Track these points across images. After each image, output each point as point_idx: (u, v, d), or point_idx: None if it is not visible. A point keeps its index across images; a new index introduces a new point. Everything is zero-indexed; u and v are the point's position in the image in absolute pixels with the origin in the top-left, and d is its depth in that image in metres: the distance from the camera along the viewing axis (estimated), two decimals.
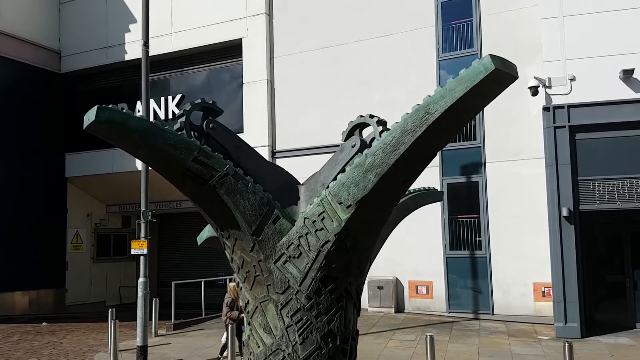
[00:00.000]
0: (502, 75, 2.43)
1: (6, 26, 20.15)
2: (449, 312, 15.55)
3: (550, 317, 13.76)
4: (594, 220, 14.08)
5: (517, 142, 15.07)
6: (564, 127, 13.70)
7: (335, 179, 2.97)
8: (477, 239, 15.62)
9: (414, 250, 15.65)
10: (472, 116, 2.68)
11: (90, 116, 2.68)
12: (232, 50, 19.07)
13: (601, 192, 13.59)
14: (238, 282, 9.71)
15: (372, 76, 16.86)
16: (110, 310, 11.54)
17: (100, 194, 22.96)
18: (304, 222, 2.98)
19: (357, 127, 3.44)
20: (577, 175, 13.60)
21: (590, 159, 13.61)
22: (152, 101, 19.94)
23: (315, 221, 2.94)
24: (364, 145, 3.26)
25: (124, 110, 2.74)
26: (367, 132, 3.44)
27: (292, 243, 2.98)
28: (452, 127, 2.69)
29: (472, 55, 15.84)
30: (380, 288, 15.88)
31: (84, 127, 2.71)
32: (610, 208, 13.37)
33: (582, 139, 13.82)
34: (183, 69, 20.39)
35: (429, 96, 2.60)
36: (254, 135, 18.01)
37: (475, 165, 15.67)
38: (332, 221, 2.89)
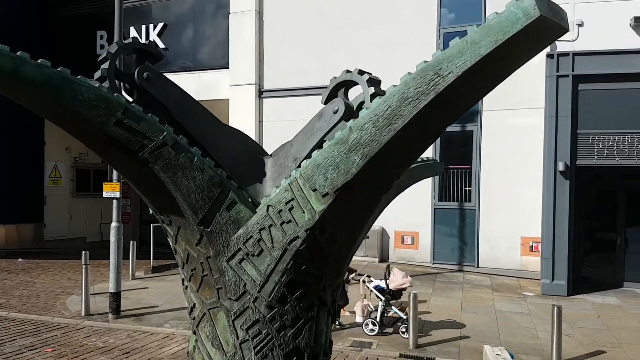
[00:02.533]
0: (548, 25, 1.69)
1: None
2: (434, 264, 15.23)
3: (536, 272, 13.48)
4: (589, 175, 13.55)
5: (515, 90, 14.23)
6: (567, 76, 12.95)
7: (309, 156, 2.25)
8: (467, 188, 15.09)
9: (401, 200, 14.78)
10: (501, 80, 1.94)
11: None
12: None
13: (600, 147, 13.00)
14: None
15: (368, 13, 15.71)
16: (83, 253, 10.95)
17: None
18: (267, 210, 2.26)
19: (342, 86, 2.66)
20: (576, 128, 12.97)
21: (592, 111, 12.94)
22: (132, 29, 18.67)
23: (281, 211, 2.23)
24: (350, 111, 2.49)
25: (18, 54, 1.96)
26: (354, 93, 2.68)
27: (251, 237, 2.29)
28: (471, 94, 1.96)
29: None
30: (366, 237, 15.40)
31: None
32: (608, 164, 12.82)
33: (585, 89, 13.08)
34: None
35: (441, 51, 1.84)
36: (240, 72, 16.98)
37: (470, 113, 14.87)
38: (304, 212, 2.19)
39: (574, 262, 13.20)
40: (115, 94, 2.12)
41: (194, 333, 2.49)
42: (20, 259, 16.83)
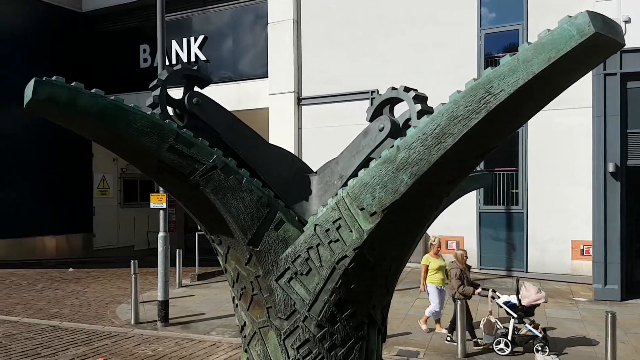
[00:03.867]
0: (603, 41, 1.63)
1: None
2: (480, 269, 14.93)
3: (588, 277, 13.04)
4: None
5: None
6: (615, 74, 12.51)
7: (355, 174, 2.24)
8: (514, 191, 14.75)
9: None
10: (554, 97, 1.89)
11: (27, 92, 1.98)
12: None
13: None
14: (463, 253, 8.75)
15: (407, 15, 15.60)
16: (132, 262, 11.23)
17: None
18: (315, 229, 2.27)
19: (387, 103, 2.64)
20: (626, 128, 12.51)
21: None
22: (173, 42, 19.12)
23: (329, 230, 2.23)
24: (396, 128, 2.47)
25: (73, 85, 2.03)
26: (399, 110, 2.65)
27: (300, 256, 2.30)
28: (523, 112, 1.91)
29: None
30: None
31: (24, 105, 2.03)
32: None
33: (634, 87, 12.61)
34: (205, 7, 19.35)
35: (492, 69, 1.81)
36: (279, 80, 17.12)
37: None
38: (351, 231, 2.18)
39: (627, 265, 12.73)
40: (167, 121, 2.18)
41: (245, 351, 2.52)
42: (70, 269, 17.40)
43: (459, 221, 15.10)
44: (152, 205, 11.05)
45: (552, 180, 14.11)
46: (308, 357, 2.30)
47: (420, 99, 2.45)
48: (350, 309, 2.31)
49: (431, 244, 9.91)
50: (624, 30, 12.42)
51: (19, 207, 18.77)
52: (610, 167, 12.31)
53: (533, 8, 14.33)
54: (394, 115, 2.64)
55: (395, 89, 2.55)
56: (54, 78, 1.98)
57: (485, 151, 2.05)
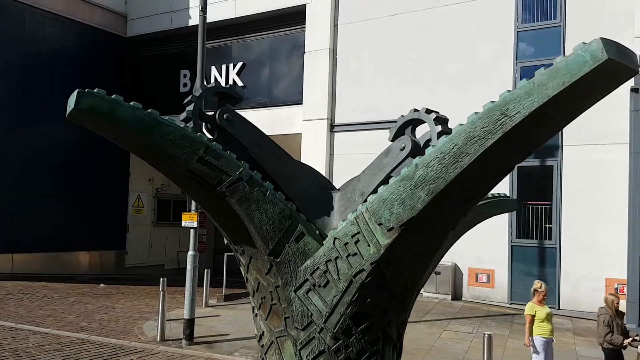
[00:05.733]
0: (616, 68, 1.69)
1: None
2: (511, 304, 14.62)
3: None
4: None
5: (598, 124, 13.67)
6: None
7: (376, 191, 2.32)
8: (547, 225, 14.49)
9: (475, 236, 14.51)
10: (568, 122, 1.94)
11: (70, 102, 2.14)
12: (295, 16, 18.37)
13: None
14: (613, 298, 8.04)
15: (443, 48, 15.75)
16: (161, 279, 11.43)
17: None
18: (334, 243, 2.35)
19: (409, 124, 2.73)
20: None
21: None
22: (213, 68, 19.68)
23: (347, 243, 2.30)
24: (416, 148, 2.55)
25: (113, 97, 2.18)
26: (421, 131, 2.73)
27: (318, 268, 2.37)
28: (538, 135, 1.97)
29: (554, 28, 14.45)
30: (437, 273, 15.11)
31: (66, 115, 2.18)
32: None
33: None
34: (245, 36, 19.91)
35: (509, 91, 1.88)
36: (313, 107, 17.40)
37: (550, 148, 14.39)
38: (369, 246, 2.25)
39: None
40: (199, 134, 2.31)
41: None
42: (102, 284, 17.75)
43: (490, 254, 14.91)
44: (183, 224, 11.29)
45: (587, 216, 13.83)
46: None
47: (441, 120, 2.54)
48: (366, 322, 2.36)
49: (536, 290, 8.67)
50: None
51: (56, 222, 19.34)
52: None
53: (570, 42, 14.28)
54: (416, 136, 2.72)
55: (418, 110, 2.64)
56: (95, 90, 2.14)
57: (501, 172, 2.10)
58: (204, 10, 11.83)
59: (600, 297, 13.80)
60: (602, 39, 1.67)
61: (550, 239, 14.43)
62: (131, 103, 2.22)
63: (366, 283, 2.29)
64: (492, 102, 1.93)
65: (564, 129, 13.70)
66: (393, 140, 2.71)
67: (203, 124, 2.66)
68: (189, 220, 11.22)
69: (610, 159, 13.52)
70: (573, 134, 14.05)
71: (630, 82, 12.51)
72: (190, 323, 10.78)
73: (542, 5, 14.81)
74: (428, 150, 2.09)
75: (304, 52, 17.97)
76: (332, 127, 17.28)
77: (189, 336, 10.65)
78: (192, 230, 11.27)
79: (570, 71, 1.71)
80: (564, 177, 14.28)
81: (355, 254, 2.28)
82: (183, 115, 2.57)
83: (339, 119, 17.29)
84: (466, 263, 15.26)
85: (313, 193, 2.69)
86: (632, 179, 12.40)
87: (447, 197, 2.05)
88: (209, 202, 2.46)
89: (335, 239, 2.35)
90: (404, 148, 2.55)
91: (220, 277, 16.06)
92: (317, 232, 2.49)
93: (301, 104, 17.60)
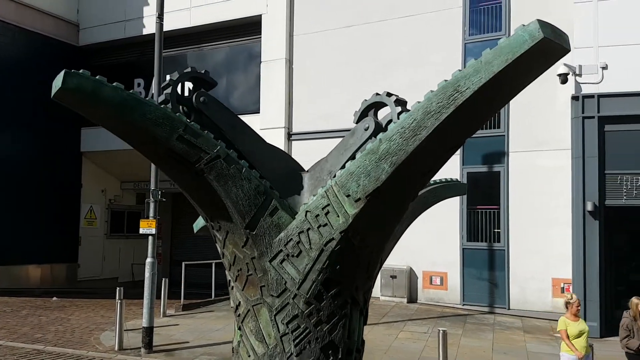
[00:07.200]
0: (551, 46, 1.97)
1: None
2: (463, 305, 15.10)
3: None
4: (618, 215, 13.47)
5: (542, 131, 14.42)
6: (593, 117, 13.08)
7: (343, 167, 2.54)
8: (496, 230, 15.09)
9: (429, 240, 15.18)
10: (512, 96, 2.21)
11: (57, 83, 2.26)
12: (251, 27, 18.56)
13: (629, 187, 12.98)
14: (638, 302, 7.36)
15: (396, 58, 16.26)
16: (118, 289, 11.32)
17: (115, 170, 22.78)
18: (306, 215, 2.55)
19: (372, 107, 2.97)
20: (604, 169, 13.00)
21: (619, 152, 12.98)
22: (167, 77, 19.54)
23: (318, 215, 2.51)
24: (379, 128, 2.80)
25: (97, 78, 2.32)
26: (383, 114, 2.98)
27: (291, 239, 2.57)
28: (486, 109, 2.23)
29: (499, 39, 15.14)
30: (393, 277, 15.47)
31: (52, 95, 2.31)
32: (637, 204, 12.74)
33: (611, 130, 13.18)
34: (201, 45, 19.96)
35: (460, 71, 2.14)
36: (270, 116, 17.59)
37: (497, 154, 15.06)
38: (338, 216, 2.46)
39: (606, 303, 12.98)
40: (178, 114, 2.47)
41: (239, 329, 2.75)
42: (55, 297, 17.27)
43: (443, 257, 15.38)
44: (141, 230, 11.22)
45: (533, 219, 14.47)
46: (296, 332, 2.54)
47: (401, 102, 2.79)
48: (336, 288, 2.56)
49: (567, 302, 7.92)
50: (601, 77, 13.08)
51: (6, 234, 18.71)
52: (589, 207, 12.72)
53: None
54: (378, 117, 2.96)
55: (379, 94, 2.89)
56: (80, 71, 2.27)
57: (455, 144, 2.36)
58: (160, 17, 11.89)
59: (547, 297, 14.49)
60: (538, 20, 1.94)
61: (499, 241, 15.02)
62: (114, 84, 2.36)
63: (336, 251, 2.49)
64: (445, 80, 2.18)
65: (511, 137, 14.31)
66: (357, 122, 2.95)
67: (180, 107, 2.82)
68: (147, 227, 11.16)
69: (554, 164, 14.22)
70: (518, 141, 14.75)
71: (571, 91, 13.28)
72: (149, 331, 10.68)
73: (488, 19, 15.54)
74: (390, 126, 2.32)
75: (261, 62, 18.18)
76: (290, 136, 17.50)
77: (148, 344, 10.55)
78: (150, 237, 11.21)
79: (512, 49, 1.98)
80: (511, 182, 14.92)
81: (326, 224, 2.49)
82: (162, 97, 2.73)
83: (296, 127, 17.54)
84: (421, 267, 15.68)
85: (284, 174, 2.89)
86: (575, 182, 13.10)
87: (408, 167, 2.29)
88: (188, 179, 2.61)
89: (307, 211, 2.55)
90: (367, 128, 2.79)
91: (176, 289, 15.95)
92: (290, 208, 2.68)
93: (258, 112, 17.74)
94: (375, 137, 2.63)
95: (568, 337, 7.61)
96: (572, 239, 13.09)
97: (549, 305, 14.36)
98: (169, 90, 2.76)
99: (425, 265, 15.60)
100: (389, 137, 2.29)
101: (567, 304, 7.87)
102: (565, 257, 13.52)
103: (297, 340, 2.53)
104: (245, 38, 18.98)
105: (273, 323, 2.57)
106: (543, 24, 1.94)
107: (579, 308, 7.90)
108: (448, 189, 3.47)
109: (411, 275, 15.78)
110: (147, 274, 10.95)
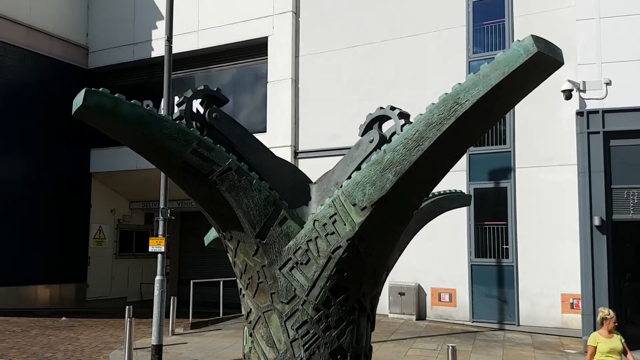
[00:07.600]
0: (545, 59, 2.09)
1: (35, 21, 20.35)
2: (473, 322, 15.03)
3: (579, 330, 13.17)
4: (626, 230, 13.45)
5: (548, 147, 14.50)
6: (598, 132, 13.11)
7: (350, 177, 2.65)
8: (504, 246, 15.09)
9: (437, 256, 15.20)
10: (509, 108, 2.32)
11: (78, 100, 2.40)
12: (257, 48, 18.88)
13: (635, 201, 12.97)
14: None
15: (400, 77, 16.47)
16: (127, 307, 11.39)
17: (124, 190, 23.01)
18: (314, 224, 2.66)
19: (377, 121, 3.09)
20: (610, 184, 13.00)
21: (625, 166, 12.99)
22: (176, 98, 19.84)
23: (326, 224, 2.62)
24: (383, 140, 2.92)
25: (116, 95, 2.46)
26: (387, 127, 3.10)
27: (300, 248, 2.67)
28: (485, 120, 2.35)
29: None
30: (401, 294, 15.45)
31: (72, 112, 2.44)
32: None
33: (616, 145, 13.21)
34: (208, 67, 20.28)
35: (459, 84, 2.26)
36: (277, 135, 17.78)
37: (504, 170, 15.13)
38: (345, 224, 2.56)
39: (616, 318, 12.88)
40: (192, 129, 2.61)
41: (250, 335, 2.84)
42: (64, 317, 17.33)
43: (451, 274, 15.36)
44: (150, 249, 11.33)
45: (541, 235, 14.46)
46: (306, 337, 2.63)
47: (404, 115, 2.91)
48: (343, 294, 2.66)
49: (604, 318, 7.38)
50: (605, 93, 13.19)
51: (15, 255, 18.87)
52: (596, 221, 12.71)
53: None
54: (382, 130, 3.08)
55: (383, 108, 3.01)
56: (100, 89, 2.41)
57: (456, 154, 2.47)
58: (169, 40, 12.16)
59: (557, 312, 14.41)
60: (532, 36, 2.06)
61: (507, 257, 15.00)
62: (132, 101, 2.50)
63: (343, 258, 2.59)
64: (446, 93, 2.30)
65: (517, 153, 14.37)
66: (363, 134, 3.07)
67: (193, 122, 2.95)
68: (157, 245, 11.28)
69: (561, 179, 14.26)
70: (525, 156, 14.83)
71: (576, 107, 13.38)
72: (158, 349, 10.74)
73: (491, 38, 15.74)
74: (394, 138, 2.44)
75: (267, 82, 18.44)
76: (296, 154, 17.68)
77: None
78: (159, 255, 11.32)
79: (508, 63, 2.10)
80: (518, 198, 14.95)
81: (333, 232, 2.59)
82: (176, 114, 2.87)
83: (302, 146, 17.73)
84: (429, 283, 15.66)
85: (292, 185, 3.00)
86: (581, 197, 13.10)
87: (412, 177, 2.39)
88: (201, 191, 2.73)
89: (315, 220, 2.66)
90: (372, 140, 2.91)
91: (184, 308, 15.99)
92: (298, 218, 2.79)
93: (265, 132, 17.94)
94: (380, 148, 2.75)
95: (594, 354, 7.27)
96: (580, 254, 13.06)
97: (558, 321, 14.28)
98: (183, 107, 2.90)
99: (433, 282, 15.58)
100: (393, 148, 2.40)
101: (603, 319, 7.39)
102: (574, 272, 13.47)
103: (306, 346, 2.62)
104: (252, 59, 19.29)
105: (283, 329, 2.66)
106: (537, 39, 2.06)
107: (617, 324, 7.43)
108: (452, 200, 3.56)
109: (420, 292, 15.76)
110: (156, 292, 11.04)
